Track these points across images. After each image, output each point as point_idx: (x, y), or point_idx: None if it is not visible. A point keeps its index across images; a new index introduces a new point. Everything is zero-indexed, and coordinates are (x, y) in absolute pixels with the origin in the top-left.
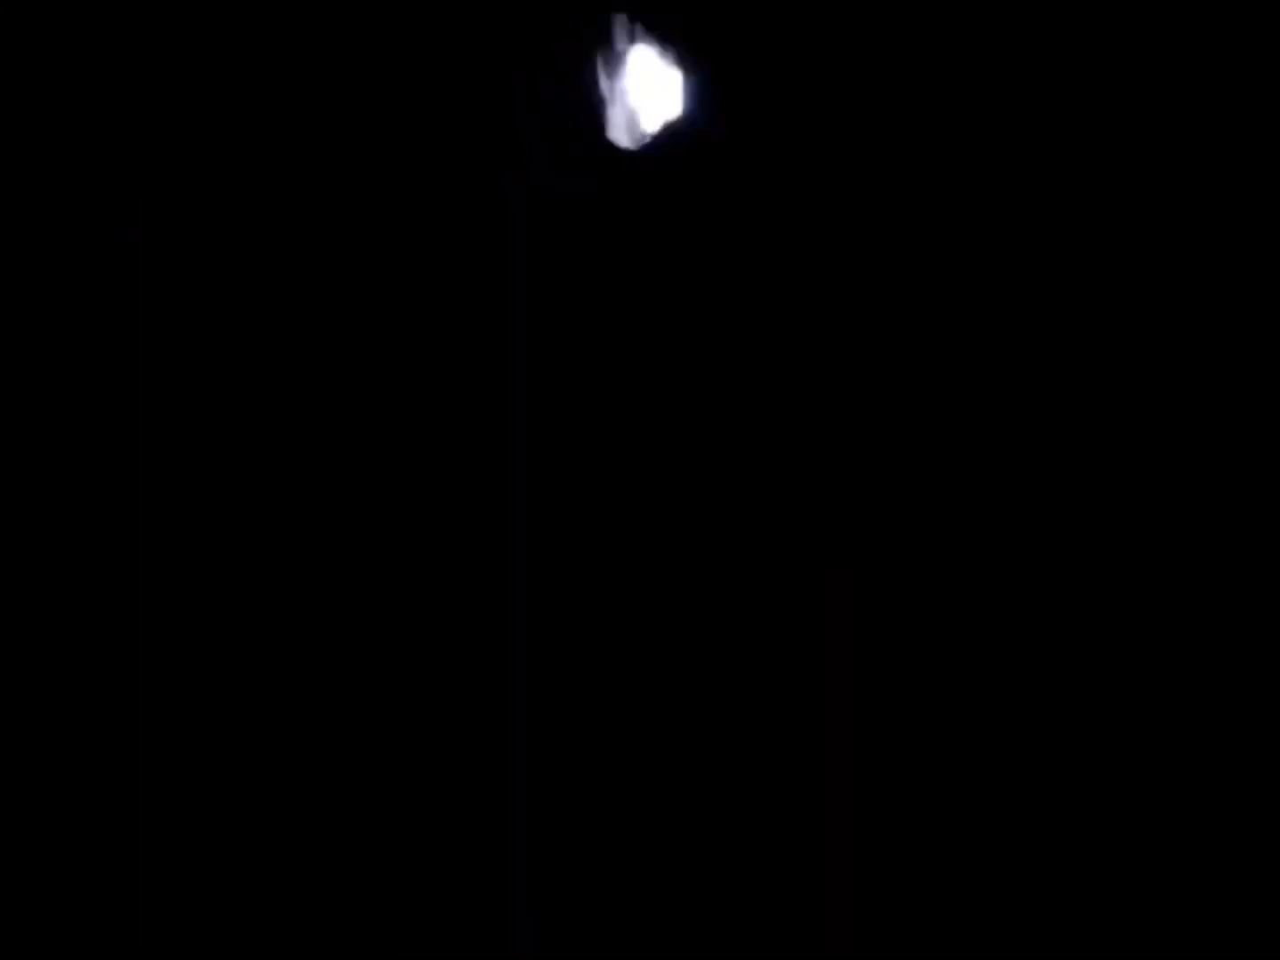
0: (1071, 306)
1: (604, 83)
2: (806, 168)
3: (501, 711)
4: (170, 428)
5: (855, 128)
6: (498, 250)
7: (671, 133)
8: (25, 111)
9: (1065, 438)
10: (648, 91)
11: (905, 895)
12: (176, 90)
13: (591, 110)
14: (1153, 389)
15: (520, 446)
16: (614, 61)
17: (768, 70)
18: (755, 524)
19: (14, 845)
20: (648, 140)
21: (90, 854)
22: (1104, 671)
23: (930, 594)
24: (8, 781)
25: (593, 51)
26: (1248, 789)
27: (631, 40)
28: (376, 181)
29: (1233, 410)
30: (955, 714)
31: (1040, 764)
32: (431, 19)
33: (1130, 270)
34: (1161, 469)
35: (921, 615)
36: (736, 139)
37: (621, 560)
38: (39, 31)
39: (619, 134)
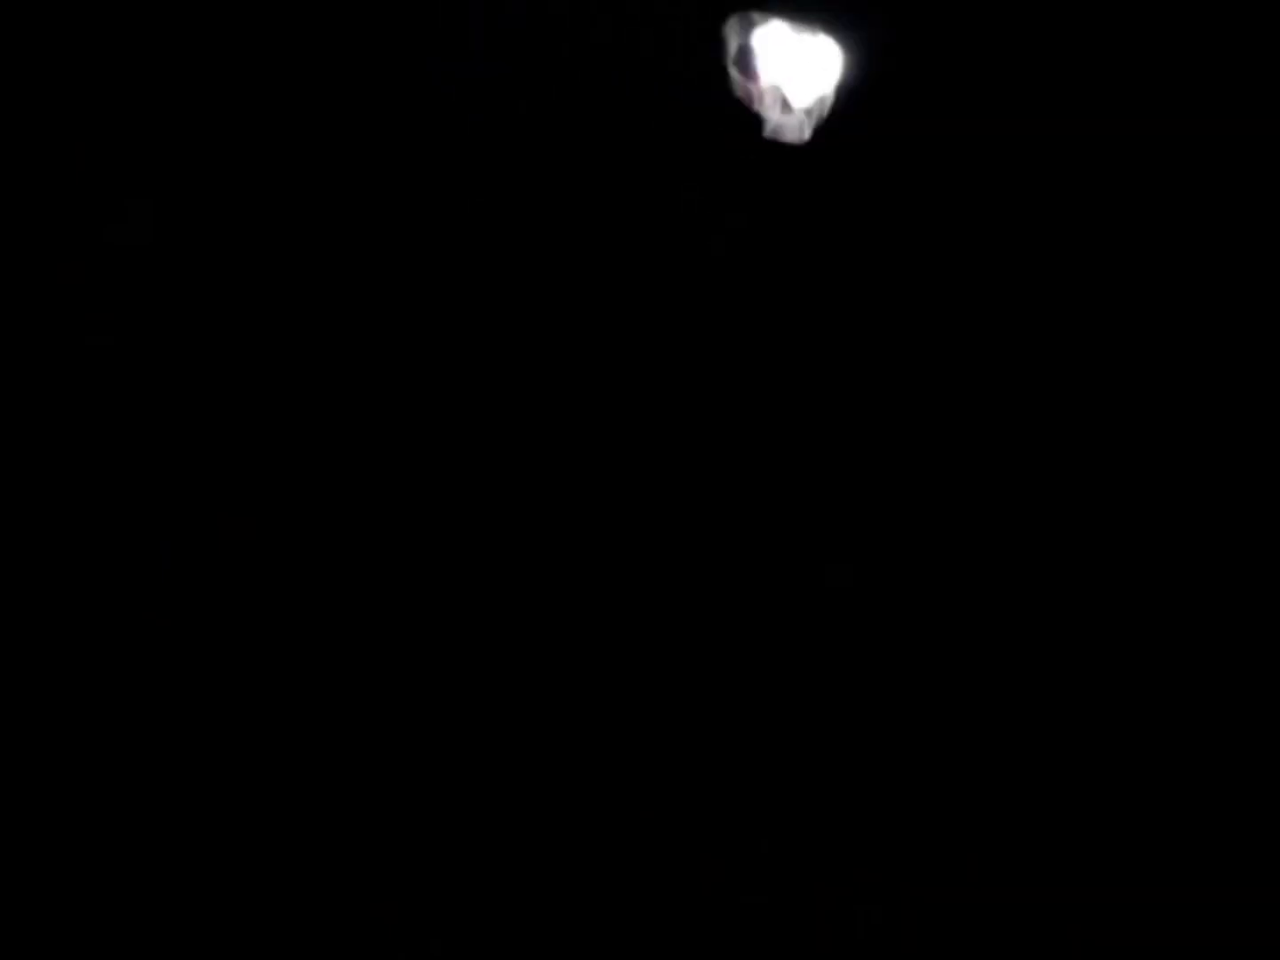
0: (1068, 309)
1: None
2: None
3: (505, 710)
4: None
5: None
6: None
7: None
8: (25, 111)
9: (1064, 436)
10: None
11: (904, 895)
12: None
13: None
14: (1148, 388)
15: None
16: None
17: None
18: (755, 519)
19: (14, 846)
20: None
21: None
22: (1105, 670)
23: (930, 590)
24: (8, 782)
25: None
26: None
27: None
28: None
29: (1230, 410)
30: (956, 708)
31: (1040, 759)
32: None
33: (1127, 266)
34: (1159, 469)
35: (921, 612)
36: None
37: (621, 555)
38: (39, 31)
39: (768, 111)
